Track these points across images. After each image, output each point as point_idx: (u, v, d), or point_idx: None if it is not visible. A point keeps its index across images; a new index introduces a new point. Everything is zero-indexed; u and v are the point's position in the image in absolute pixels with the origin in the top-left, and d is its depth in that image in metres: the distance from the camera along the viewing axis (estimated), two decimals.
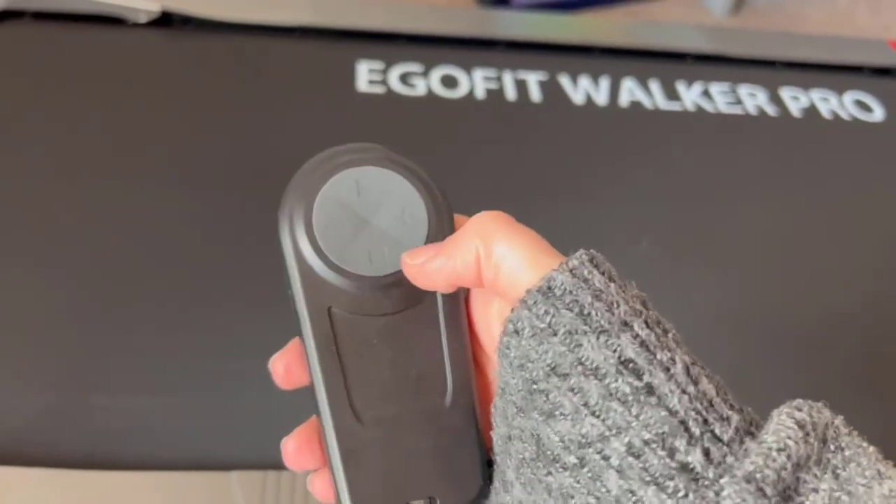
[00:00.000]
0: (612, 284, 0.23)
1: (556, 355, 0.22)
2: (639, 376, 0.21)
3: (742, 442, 0.21)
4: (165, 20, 0.80)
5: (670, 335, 0.22)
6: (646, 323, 0.22)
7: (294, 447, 0.28)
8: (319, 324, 0.27)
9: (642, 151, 0.73)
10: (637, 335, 0.22)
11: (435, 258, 0.26)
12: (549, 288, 0.23)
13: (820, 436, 0.21)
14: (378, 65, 0.78)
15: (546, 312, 0.22)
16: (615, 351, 0.21)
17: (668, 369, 0.21)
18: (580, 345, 0.22)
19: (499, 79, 0.79)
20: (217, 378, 0.49)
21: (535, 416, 0.23)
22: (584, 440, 0.21)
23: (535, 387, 0.23)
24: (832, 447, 0.21)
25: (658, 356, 0.21)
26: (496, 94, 0.77)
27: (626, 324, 0.22)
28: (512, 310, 0.23)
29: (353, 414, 0.27)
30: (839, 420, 0.22)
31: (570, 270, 0.23)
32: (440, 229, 0.29)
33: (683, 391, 0.21)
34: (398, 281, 0.27)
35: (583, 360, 0.22)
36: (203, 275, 0.56)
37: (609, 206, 0.67)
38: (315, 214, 0.27)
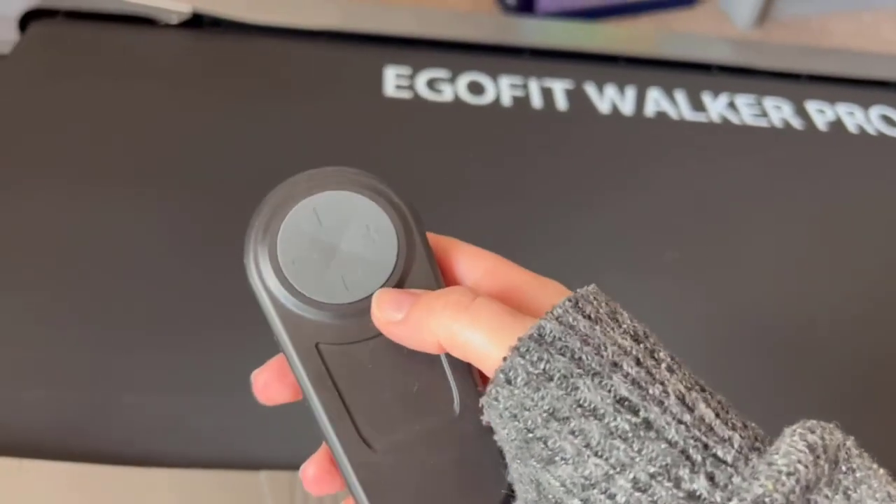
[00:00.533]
0: (598, 327, 0.23)
1: (553, 399, 0.22)
2: (635, 413, 0.22)
3: (748, 459, 0.21)
4: (196, 21, 0.81)
5: (663, 365, 0.23)
6: (636, 360, 0.23)
7: (313, 475, 0.28)
8: (310, 362, 0.27)
9: (667, 162, 0.73)
10: (627, 374, 0.22)
11: (401, 327, 0.26)
12: (541, 335, 0.23)
13: (832, 457, 0.21)
14: (405, 70, 0.79)
15: (540, 359, 0.23)
16: (610, 391, 0.22)
17: (661, 402, 0.22)
18: (577, 387, 0.22)
19: (525, 86, 0.79)
20: (247, 377, 0.50)
21: (533, 463, 0.23)
22: (587, 482, 0.22)
23: (531, 435, 0.23)
24: (843, 468, 0.21)
25: (651, 391, 0.22)
26: (522, 102, 0.77)
27: (615, 364, 0.22)
28: (504, 359, 0.24)
29: (365, 444, 0.27)
30: (851, 441, 0.22)
31: (557, 318, 0.23)
32: (410, 240, 0.28)
33: (679, 421, 0.22)
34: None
35: (581, 402, 0.22)
36: (234, 274, 0.57)
37: (633, 216, 0.67)
38: (280, 252, 0.27)
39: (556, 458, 0.22)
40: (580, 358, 0.22)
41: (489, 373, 0.24)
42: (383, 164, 0.68)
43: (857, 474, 0.21)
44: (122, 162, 0.65)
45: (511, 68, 0.81)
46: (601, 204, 0.68)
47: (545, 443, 0.23)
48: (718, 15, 1.90)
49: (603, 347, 0.23)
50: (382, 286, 0.27)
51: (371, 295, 0.27)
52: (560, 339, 0.23)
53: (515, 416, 0.23)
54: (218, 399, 0.49)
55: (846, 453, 0.21)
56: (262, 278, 0.27)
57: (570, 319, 0.23)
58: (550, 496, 0.23)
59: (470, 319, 0.24)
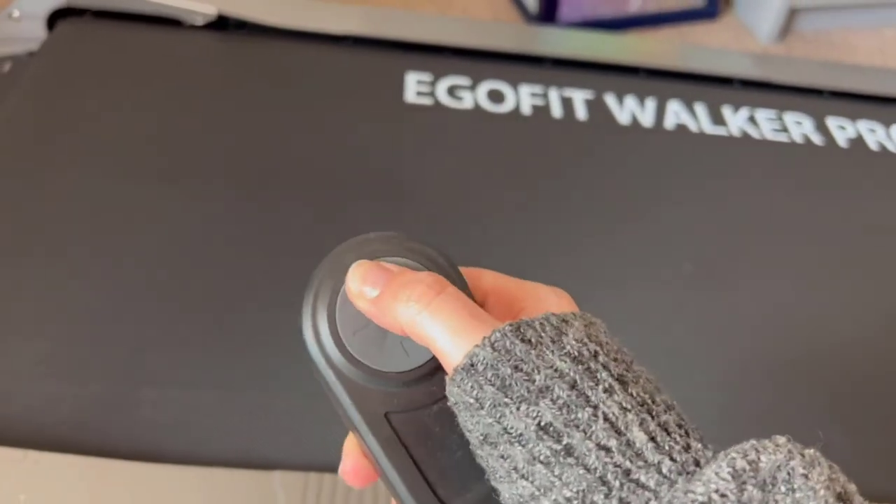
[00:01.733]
0: (534, 351, 0.24)
1: (484, 426, 0.24)
2: (558, 439, 0.22)
3: (672, 484, 0.21)
4: (221, 24, 0.81)
5: (601, 387, 0.23)
6: (571, 383, 0.23)
7: (351, 467, 0.28)
8: (381, 431, 0.27)
9: (686, 174, 0.73)
10: (557, 398, 0.23)
11: (370, 304, 0.26)
12: (472, 364, 0.24)
13: (767, 480, 0.20)
14: (426, 76, 0.79)
15: (472, 387, 0.24)
16: (535, 418, 0.23)
17: (588, 427, 0.22)
18: (504, 415, 0.23)
19: (545, 95, 0.79)
20: (264, 376, 0.50)
21: (487, 475, 0.25)
22: (521, 499, 0.23)
23: (477, 452, 0.24)
24: (782, 489, 0.20)
25: (579, 415, 0.22)
26: (542, 111, 0.77)
27: (545, 389, 0.23)
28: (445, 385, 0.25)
29: None
30: (798, 460, 0.21)
31: (492, 345, 0.24)
32: None
33: (601, 447, 0.22)
34: (438, 365, 0.27)
35: (507, 428, 0.23)
36: (256, 274, 0.57)
37: (651, 228, 0.67)
38: (340, 327, 0.27)
39: (497, 475, 0.24)
40: (510, 385, 0.23)
41: (448, 370, 0.25)
42: (402, 169, 0.69)
43: (797, 495, 0.20)
44: (143, 160, 0.66)
45: (531, 77, 0.82)
46: (619, 214, 0.68)
47: (485, 461, 0.24)
48: (739, 28, 1.90)
49: (536, 371, 0.23)
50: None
51: (430, 359, 0.27)
52: (492, 366, 0.23)
53: (467, 432, 0.25)
54: (235, 397, 0.49)
55: (788, 473, 0.21)
56: (326, 353, 0.27)
57: (507, 344, 0.24)
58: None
59: (431, 314, 0.25)
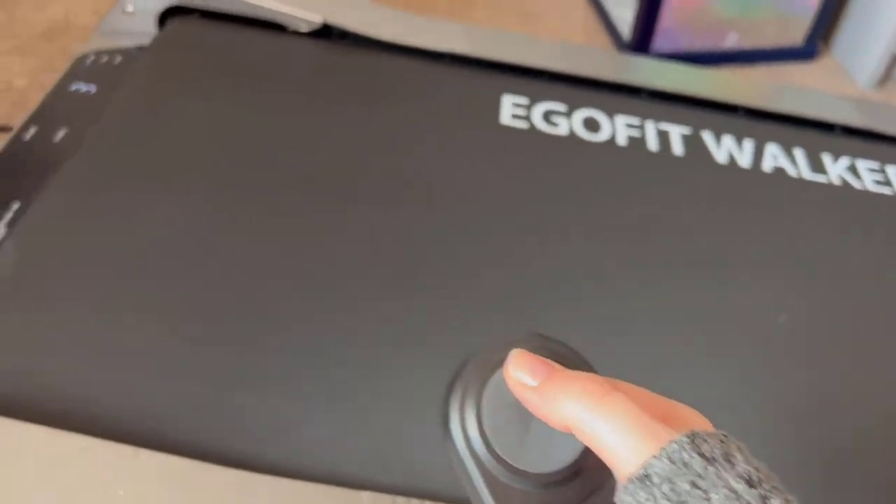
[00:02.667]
0: (711, 468, 0.23)
1: None
2: None
3: None
4: (324, 32, 0.83)
5: None
6: None
7: None
8: None
9: (784, 220, 0.71)
10: None
11: (531, 393, 0.27)
12: (647, 475, 0.23)
13: None
14: (523, 100, 0.79)
15: (647, 499, 0.23)
16: None
17: None
18: None
19: (641, 127, 0.78)
20: (360, 392, 0.50)
21: None
22: None
23: None
24: None
25: None
26: (637, 143, 0.76)
27: None
28: (615, 494, 0.24)
29: None
30: None
31: (669, 456, 0.23)
32: None
33: None
34: (579, 468, 0.27)
35: None
36: (357, 289, 0.58)
37: (747, 274, 0.65)
38: (485, 421, 0.28)
39: None
40: (685, 501, 0.23)
41: (617, 472, 0.24)
42: (494, 190, 0.69)
43: None
44: (242, 162, 0.67)
45: (628, 108, 0.81)
46: (714, 258, 0.66)
47: None
48: (837, 70, 1.85)
49: (713, 490, 0.23)
50: (578, 456, 0.27)
51: (570, 463, 0.27)
52: (669, 479, 0.23)
53: None
54: (331, 411, 0.49)
55: None
56: (471, 447, 0.28)
57: (685, 457, 0.23)
58: None
59: (601, 413, 0.25)
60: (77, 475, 0.43)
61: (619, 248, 0.65)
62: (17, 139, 0.72)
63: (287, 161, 0.68)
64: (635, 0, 1.69)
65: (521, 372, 0.27)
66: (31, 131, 0.72)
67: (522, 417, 0.28)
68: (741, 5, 1.70)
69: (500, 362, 0.28)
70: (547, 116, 0.77)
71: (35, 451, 0.44)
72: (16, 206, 0.64)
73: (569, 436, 0.27)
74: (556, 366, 0.27)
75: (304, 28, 0.83)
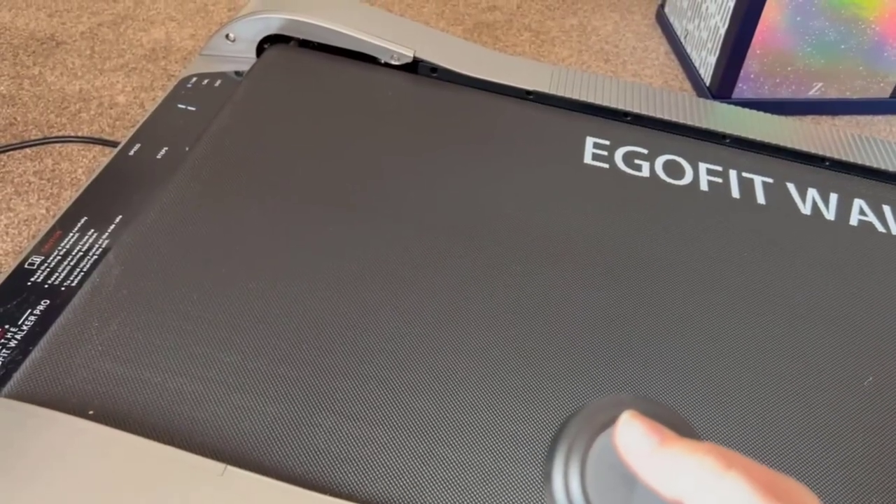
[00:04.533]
0: None
1: None
2: None
3: None
4: (413, 66, 0.86)
5: None
6: None
7: None
8: None
9: (872, 277, 0.70)
10: None
11: (641, 459, 0.26)
12: None
13: None
14: (604, 141, 0.80)
15: None
16: None
17: None
18: None
19: (723, 173, 0.78)
20: (437, 423, 0.52)
21: None
22: None
23: None
24: None
25: None
26: (720, 188, 0.76)
27: None
28: None
29: None
30: None
31: None
32: None
33: None
34: None
35: None
36: (439, 317, 0.59)
37: (831, 332, 0.64)
38: (588, 482, 0.27)
39: None
40: None
41: None
42: (576, 230, 0.69)
43: None
44: (330, 187, 0.70)
45: (710, 154, 0.81)
46: (798, 313, 0.65)
47: None
48: None
49: None
50: None
51: None
52: None
53: None
54: (405, 439, 0.50)
55: None
56: None
57: None
58: None
59: (721, 492, 0.24)
60: (164, 485, 0.45)
61: (697, 294, 0.65)
62: (123, 154, 0.76)
63: (373, 188, 0.70)
64: (719, 45, 1.68)
65: (635, 437, 0.26)
66: (136, 147, 0.77)
67: (627, 482, 0.27)
68: (828, 55, 1.68)
69: (607, 423, 0.28)
70: (628, 159, 0.78)
71: (125, 458, 0.46)
72: (118, 218, 0.68)
73: None
74: (670, 433, 0.26)
75: (395, 61, 0.86)
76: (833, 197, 0.78)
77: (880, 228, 0.75)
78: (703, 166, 0.79)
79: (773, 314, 0.64)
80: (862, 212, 0.76)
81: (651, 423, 0.27)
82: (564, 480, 0.28)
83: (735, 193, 0.76)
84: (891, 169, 0.83)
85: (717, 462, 0.25)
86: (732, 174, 0.78)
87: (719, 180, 0.77)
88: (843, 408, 0.58)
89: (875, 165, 0.83)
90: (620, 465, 0.27)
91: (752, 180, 0.78)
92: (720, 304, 0.64)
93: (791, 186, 0.78)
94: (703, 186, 0.76)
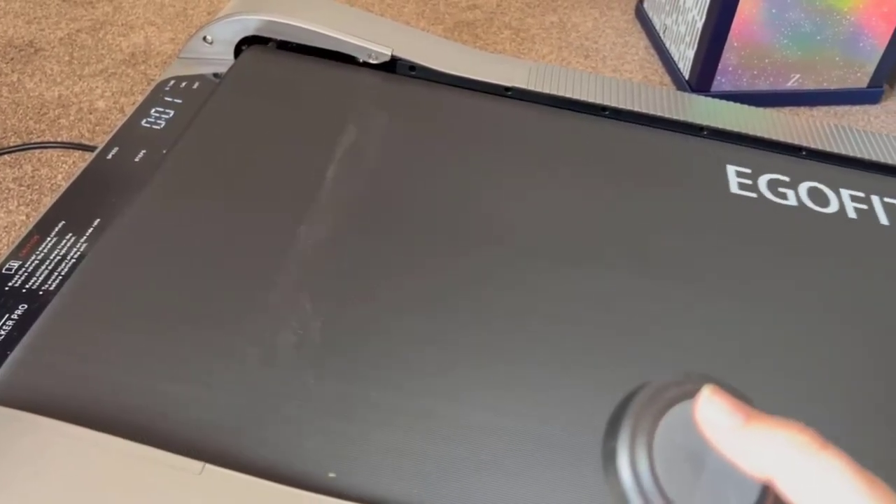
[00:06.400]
0: None
1: None
2: None
3: None
4: (392, 65, 0.86)
5: None
6: None
7: None
8: None
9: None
10: None
11: (725, 435, 0.25)
12: None
13: None
14: (747, 169, 0.80)
15: None
16: None
17: None
18: None
19: (867, 199, 0.78)
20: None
21: None
22: None
23: None
24: None
25: None
26: (867, 215, 0.76)
27: None
28: None
29: None
30: None
31: None
32: None
33: None
34: None
35: None
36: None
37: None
38: (656, 460, 0.27)
39: None
40: None
41: None
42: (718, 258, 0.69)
43: None
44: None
45: (851, 180, 0.80)
46: None
47: None
48: None
49: None
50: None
51: None
52: None
53: None
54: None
55: None
56: (642, 488, 0.27)
57: None
58: None
59: (819, 468, 0.23)
60: (144, 485, 0.45)
61: (846, 329, 0.63)
62: (100, 158, 0.76)
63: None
64: (697, 39, 1.70)
65: (718, 412, 0.26)
66: (114, 151, 0.76)
67: (695, 460, 0.27)
68: (804, 46, 1.69)
69: (672, 401, 0.28)
70: (772, 186, 0.78)
71: (105, 460, 0.46)
72: (96, 222, 0.68)
73: (744, 484, 0.26)
74: (755, 410, 0.26)
75: (373, 60, 0.86)
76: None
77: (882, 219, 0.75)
78: (846, 193, 0.78)
79: None
80: (854, 199, 0.77)
81: (734, 399, 0.26)
82: (631, 459, 0.27)
83: (884, 220, 0.75)
84: (873, 158, 0.84)
85: (811, 441, 0.24)
86: (876, 200, 0.78)
87: (864, 206, 0.76)
88: None
89: (854, 154, 0.84)
90: (688, 444, 0.27)
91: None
92: (858, 338, 0.62)
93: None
94: (851, 213, 0.76)
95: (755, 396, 0.27)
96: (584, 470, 0.49)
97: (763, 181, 0.78)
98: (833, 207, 0.76)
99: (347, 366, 0.54)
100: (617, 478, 0.27)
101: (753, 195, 0.76)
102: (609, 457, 0.28)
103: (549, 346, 0.58)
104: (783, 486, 0.24)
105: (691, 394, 0.28)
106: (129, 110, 0.83)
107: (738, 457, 0.25)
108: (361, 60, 0.87)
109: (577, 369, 0.56)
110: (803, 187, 0.78)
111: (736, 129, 0.84)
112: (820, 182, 0.79)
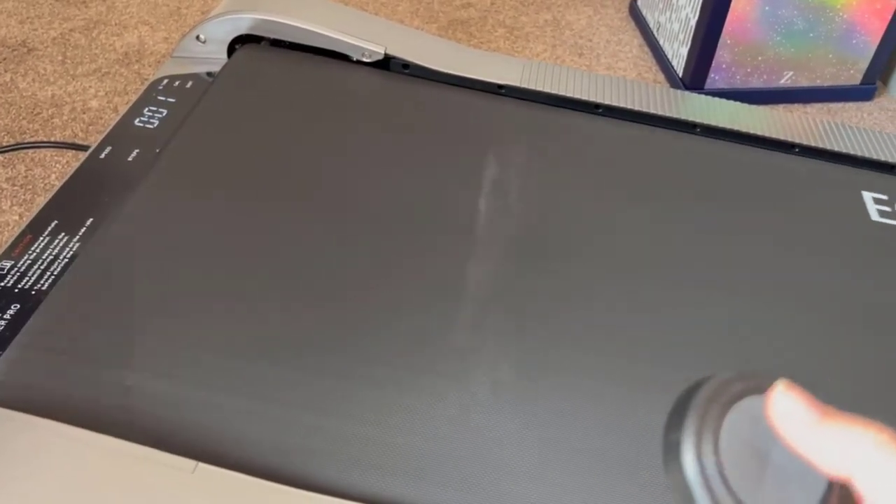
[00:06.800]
0: None
1: None
2: None
3: None
4: (385, 63, 0.86)
5: None
6: None
7: None
8: None
9: None
10: None
11: (800, 431, 0.25)
12: None
13: None
14: (883, 196, 0.79)
15: None
16: None
17: None
18: None
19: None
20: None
21: None
22: None
23: None
24: None
25: None
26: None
27: None
28: None
29: None
30: None
31: None
32: None
33: None
34: None
35: None
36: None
37: None
38: (723, 455, 0.27)
39: None
40: None
41: None
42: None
43: None
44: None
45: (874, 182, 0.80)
46: None
47: None
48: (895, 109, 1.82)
49: None
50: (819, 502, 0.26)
51: None
52: None
53: None
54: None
55: None
56: (707, 481, 0.27)
57: None
58: None
59: None
60: (137, 484, 0.45)
61: None
62: (94, 157, 0.76)
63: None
64: (690, 37, 1.70)
65: (794, 408, 0.25)
66: (107, 150, 0.76)
67: (760, 455, 0.27)
68: (797, 44, 1.70)
69: (739, 394, 0.28)
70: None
71: (99, 459, 0.46)
72: (89, 221, 0.68)
73: (810, 481, 0.26)
74: (831, 407, 0.25)
75: (367, 58, 0.86)
76: None
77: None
78: None
79: None
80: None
81: (809, 396, 0.26)
82: (696, 452, 0.27)
83: None
84: (867, 155, 0.84)
85: (892, 440, 0.23)
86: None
87: None
88: None
89: (848, 151, 0.84)
90: (753, 439, 0.27)
91: None
92: None
93: None
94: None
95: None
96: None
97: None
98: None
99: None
100: (681, 470, 0.27)
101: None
102: (672, 449, 0.27)
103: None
104: (861, 485, 0.23)
105: (757, 389, 0.28)
106: (123, 109, 0.83)
107: (813, 453, 0.25)
108: (355, 59, 0.87)
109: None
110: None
111: (729, 126, 0.85)
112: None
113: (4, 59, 1.52)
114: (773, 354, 0.60)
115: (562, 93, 0.85)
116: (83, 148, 1.10)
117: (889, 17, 1.68)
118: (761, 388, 0.28)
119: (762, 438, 0.27)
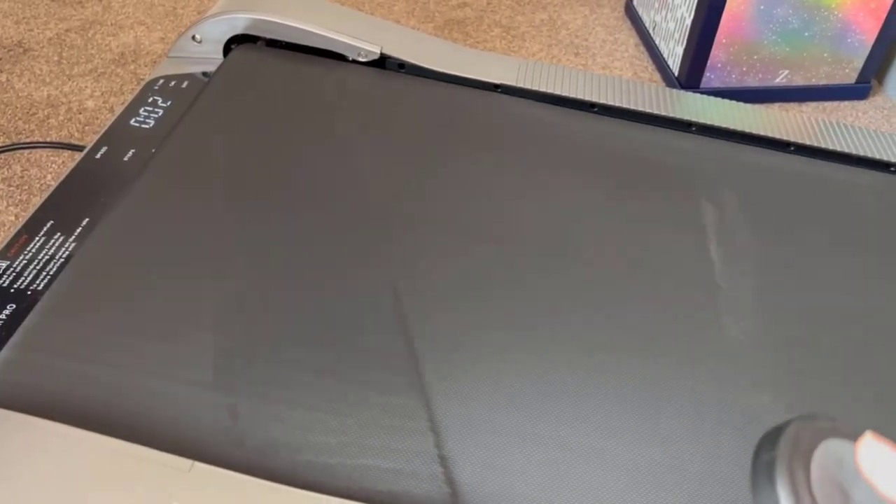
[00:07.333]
0: None
1: None
2: None
3: None
4: (381, 62, 0.86)
5: None
6: None
7: None
8: None
9: None
10: None
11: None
12: None
13: None
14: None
15: None
16: None
17: None
18: None
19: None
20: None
21: None
22: None
23: None
24: None
25: None
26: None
27: None
28: None
29: None
30: None
31: None
32: None
33: None
34: None
35: None
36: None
37: None
38: (815, 490, 0.28)
39: None
40: None
41: None
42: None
43: None
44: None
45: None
46: None
47: None
48: (891, 108, 1.83)
49: None
50: None
51: None
52: None
53: None
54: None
55: None
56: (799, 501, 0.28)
57: None
58: None
59: None
60: (133, 483, 0.45)
61: None
62: (89, 157, 0.76)
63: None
64: (686, 36, 1.70)
65: (883, 457, 0.26)
66: (103, 150, 0.76)
67: (842, 492, 0.28)
68: (792, 43, 1.70)
69: (826, 432, 0.29)
70: None
71: (95, 458, 0.46)
72: (85, 221, 0.68)
73: None
74: None
75: (363, 57, 0.86)
76: None
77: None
78: None
79: None
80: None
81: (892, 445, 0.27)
82: (791, 482, 0.28)
83: None
84: (861, 153, 0.84)
85: None
86: None
87: None
88: None
89: (843, 150, 0.84)
90: (837, 475, 0.28)
91: None
92: None
93: None
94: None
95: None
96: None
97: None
98: None
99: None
100: (772, 488, 0.28)
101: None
102: (764, 468, 0.28)
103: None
104: None
105: (841, 432, 0.29)
106: (119, 110, 0.83)
107: None
108: (351, 59, 0.87)
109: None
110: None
111: (725, 125, 0.85)
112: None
113: (0, 59, 1.51)
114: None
115: (558, 92, 0.85)
116: (79, 148, 1.10)
117: (884, 16, 1.68)
118: (839, 431, 0.29)
119: (845, 477, 0.28)
